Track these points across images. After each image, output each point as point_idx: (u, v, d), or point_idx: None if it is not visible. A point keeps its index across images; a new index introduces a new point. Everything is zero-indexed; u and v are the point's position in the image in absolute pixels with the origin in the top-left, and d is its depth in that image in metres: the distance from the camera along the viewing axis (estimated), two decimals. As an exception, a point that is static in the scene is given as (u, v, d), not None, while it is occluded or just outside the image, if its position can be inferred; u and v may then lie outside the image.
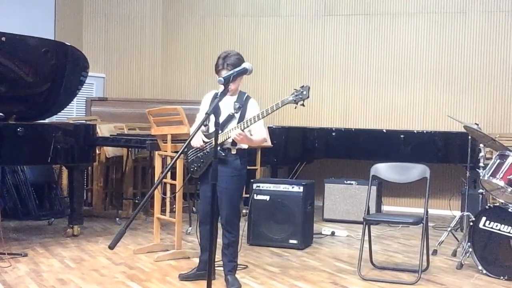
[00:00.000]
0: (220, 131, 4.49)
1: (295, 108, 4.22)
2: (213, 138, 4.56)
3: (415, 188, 8.65)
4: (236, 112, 4.58)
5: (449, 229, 6.39)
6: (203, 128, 4.74)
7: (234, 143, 4.58)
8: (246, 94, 4.72)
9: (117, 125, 8.33)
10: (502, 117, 8.84)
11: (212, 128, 4.64)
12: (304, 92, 4.15)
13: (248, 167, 7.84)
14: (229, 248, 4.77)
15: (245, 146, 4.71)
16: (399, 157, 7.64)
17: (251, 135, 4.61)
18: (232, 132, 4.43)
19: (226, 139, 4.52)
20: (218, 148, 4.55)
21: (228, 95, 4.71)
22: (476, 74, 8.97)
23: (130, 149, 7.70)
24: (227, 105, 4.54)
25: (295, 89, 4.19)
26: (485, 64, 8.92)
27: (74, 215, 6.59)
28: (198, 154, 4.75)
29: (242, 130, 4.42)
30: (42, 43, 6.28)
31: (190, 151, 4.80)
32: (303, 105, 4.18)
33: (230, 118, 4.59)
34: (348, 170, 9.12)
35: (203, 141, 4.65)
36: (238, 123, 4.52)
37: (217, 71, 4.67)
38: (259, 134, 4.68)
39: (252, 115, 4.45)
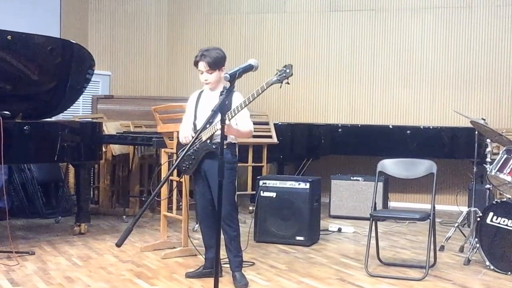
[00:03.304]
0: (207, 126, 4.48)
1: (280, 87, 4.16)
2: (202, 134, 4.56)
3: (422, 184, 8.63)
4: None
5: (456, 224, 6.38)
6: (191, 125, 4.75)
7: (224, 136, 4.57)
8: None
9: (123, 122, 8.35)
10: (509, 112, 8.80)
11: (199, 125, 4.60)
12: (288, 70, 4.07)
13: (255, 164, 7.92)
14: (232, 243, 4.76)
15: (234, 139, 4.72)
16: (405, 152, 7.63)
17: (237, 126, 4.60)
18: (217, 125, 4.40)
19: (214, 132, 4.50)
20: (208, 142, 4.58)
21: (209, 89, 4.73)
22: (483, 69, 8.93)
23: (136, 146, 7.70)
24: (212, 100, 4.45)
25: (277, 70, 4.14)
26: (491, 59, 8.89)
27: (81, 213, 6.60)
28: (189, 152, 4.73)
29: (229, 120, 4.39)
30: (47, 42, 6.29)
31: (181, 150, 4.78)
32: (288, 83, 4.11)
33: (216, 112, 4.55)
34: (354, 166, 9.11)
35: (192, 137, 4.62)
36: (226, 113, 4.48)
37: (195, 63, 4.75)
38: (245, 126, 4.66)
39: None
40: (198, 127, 4.64)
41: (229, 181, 4.66)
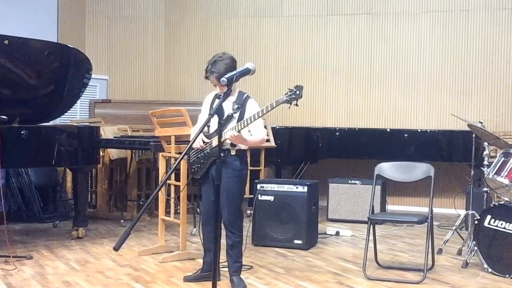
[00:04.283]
0: (217, 131, 4.49)
1: (289, 108, 4.20)
2: (213, 139, 4.59)
3: (419, 187, 8.64)
4: (235, 112, 4.56)
5: (454, 228, 6.38)
6: (204, 130, 4.76)
7: (233, 144, 4.57)
8: (246, 94, 4.71)
9: (121, 127, 8.34)
10: (506, 115, 8.82)
11: (213, 129, 4.63)
12: (298, 92, 4.11)
13: (252, 168, 7.91)
14: (233, 249, 4.77)
15: (244, 146, 4.70)
16: (403, 156, 7.63)
17: (250, 135, 4.60)
18: (227, 133, 4.42)
19: (224, 140, 4.51)
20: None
21: None
22: (480, 72, 8.95)
23: (134, 150, 7.70)
24: (226, 106, 4.49)
25: (288, 89, 4.16)
26: (488, 62, 8.90)
27: (79, 217, 6.59)
28: (199, 155, 4.75)
29: (239, 131, 4.41)
30: (45, 46, 6.29)
31: (192, 152, 4.81)
32: (296, 105, 4.15)
33: (229, 118, 4.56)
34: (352, 169, 9.11)
35: (203, 142, 4.64)
36: (237, 123, 4.51)
37: (205, 77, 4.70)
38: (258, 135, 4.66)
39: (250, 115, 4.43)
40: (211, 129, 4.64)
41: (236, 188, 4.67)
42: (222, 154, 4.51)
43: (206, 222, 4.90)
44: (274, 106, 4.22)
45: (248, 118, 4.38)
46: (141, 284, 4.86)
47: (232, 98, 4.60)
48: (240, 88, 4.72)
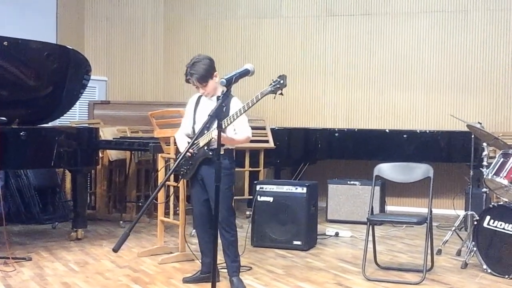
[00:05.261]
0: (205, 131, 4.49)
1: (274, 98, 4.18)
2: (199, 139, 4.59)
3: (418, 188, 8.63)
4: None
5: (453, 228, 6.38)
6: (188, 132, 4.78)
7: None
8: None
9: (120, 128, 8.34)
10: (505, 116, 8.82)
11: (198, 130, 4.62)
12: (282, 81, 4.08)
13: (251, 169, 7.92)
14: (229, 248, 4.77)
15: (231, 145, 4.72)
16: (402, 157, 7.62)
17: (235, 133, 4.62)
18: (213, 132, 4.41)
19: (210, 139, 4.52)
20: (205, 148, 4.59)
21: (207, 98, 4.75)
22: (479, 73, 8.95)
23: (133, 152, 7.69)
24: (210, 105, 4.52)
25: (272, 80, 4.16)
26: (487, 63, 8.90)
27: (78, 219, 6.60)
28: (186, 157, 4.74)
29: (225, 127, 4.39)
30: (44, 47, 6.29)
31: (178, 154, 4.81)
32: (281, 94, 4.13)
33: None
34: (351, 170, 9.10)
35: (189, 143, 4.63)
36: (223, 120, 4.49)
37: (186, 81, 4.75)
38: (243, 133, 4.68)
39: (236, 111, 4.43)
40: (197, 130, 4.64)
41: (227, 187, 4.67)
42: (210, 153, 4.54)
43: (200, 223, 4.91)
44: (260, 97, 4.17)
45: (234, 113, 4.35)
46: (140, 285, 4.86)
47: (215, 99, 4.60)
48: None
